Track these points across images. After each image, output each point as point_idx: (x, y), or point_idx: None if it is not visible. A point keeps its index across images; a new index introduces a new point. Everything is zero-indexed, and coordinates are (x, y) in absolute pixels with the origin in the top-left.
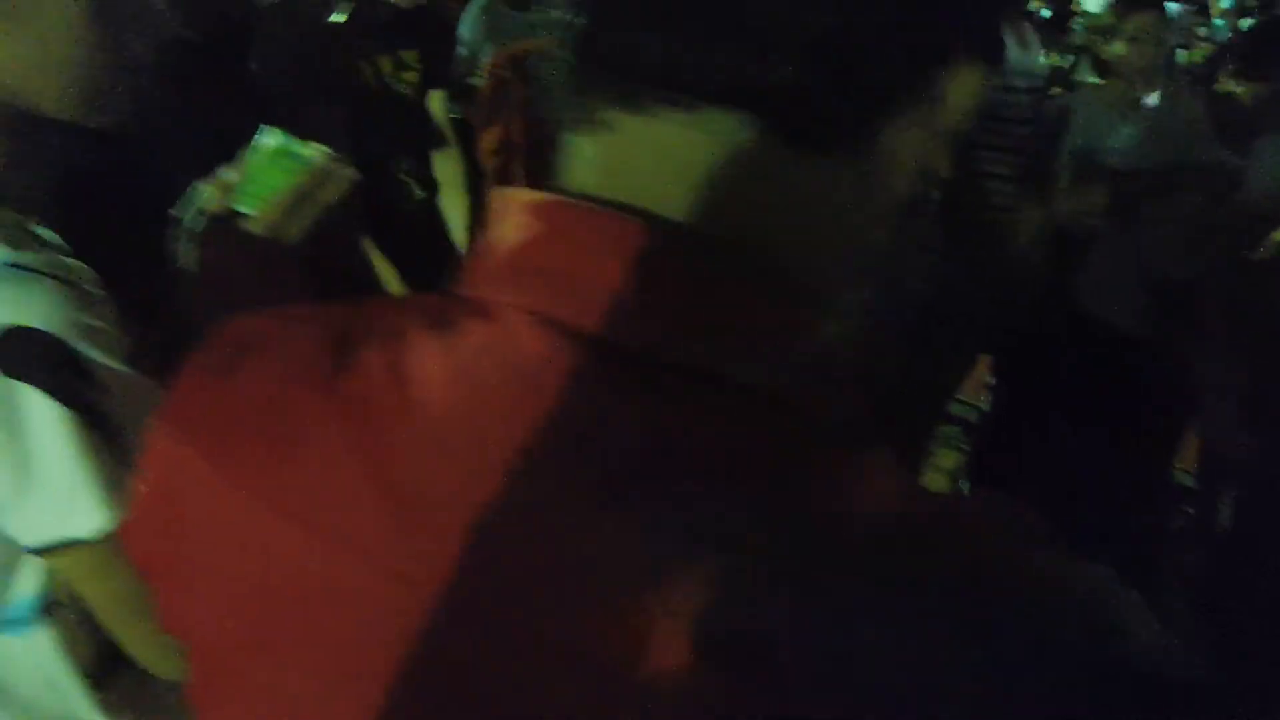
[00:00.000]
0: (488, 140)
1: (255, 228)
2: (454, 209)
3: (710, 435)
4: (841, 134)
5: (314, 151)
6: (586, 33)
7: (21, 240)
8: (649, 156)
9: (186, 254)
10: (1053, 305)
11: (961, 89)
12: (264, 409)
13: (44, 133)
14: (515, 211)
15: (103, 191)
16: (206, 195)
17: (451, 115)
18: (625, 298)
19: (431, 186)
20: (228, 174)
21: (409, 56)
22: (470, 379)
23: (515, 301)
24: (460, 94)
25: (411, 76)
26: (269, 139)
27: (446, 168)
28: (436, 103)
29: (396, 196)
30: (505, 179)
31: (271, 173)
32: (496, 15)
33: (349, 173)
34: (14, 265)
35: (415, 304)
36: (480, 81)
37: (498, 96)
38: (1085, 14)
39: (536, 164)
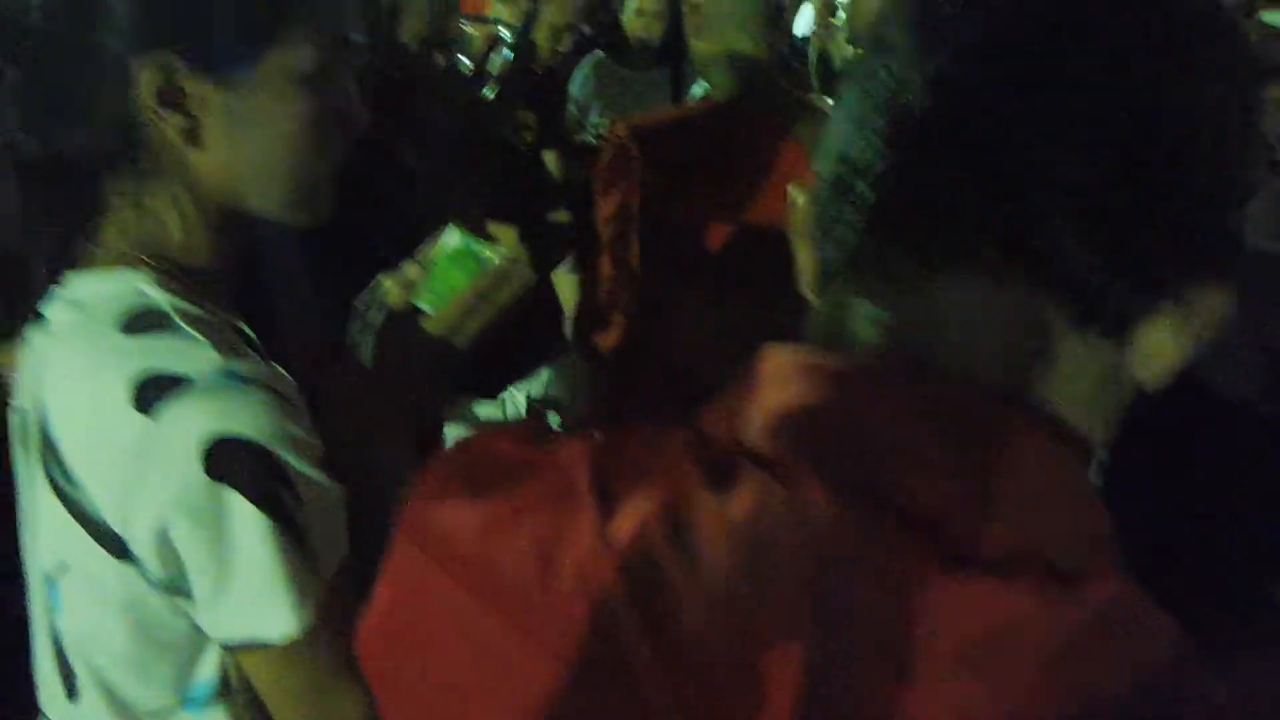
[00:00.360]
0: (605, 208)
1: (432, 326)
2: (565, 279)
3: (1040, 628)
4: (1122, 322)
5: (494, 253)
6: (888, 185)
7: (233, 345)
8: (943, 320)
9: (364, 347)
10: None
11: (1209, 304)
12: (516, 542)
13: (251, 231)
14: (803, 372)
15: (291, 283)
16: (388, 290)
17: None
18: (929, 464)
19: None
20: (410, 269)
21: (527, 117)
22: (754, 539)
23: (803, 461)
24: (572, 153)
25: (528, 136)
26: (451, 238)
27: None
28: (552, 164)
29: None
30: (621, 248)
31: (452, 272)
32: (606, 74)
33: (527, 275)
34: (227, 373)
35: (680, 449)
36: (591, 139)
37: (617, 165)
38: None
39: (652, 236)
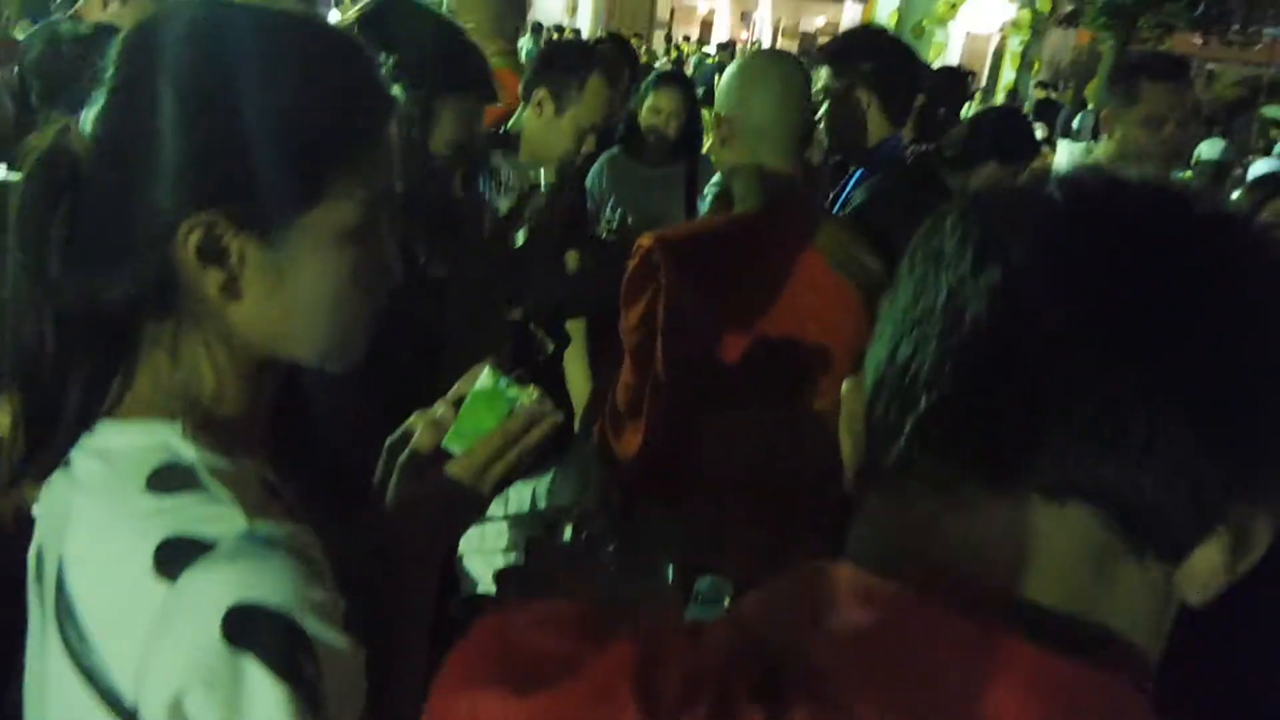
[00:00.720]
0: (630, 316)
1: (459, 469)
2: (577, 366)
3: None
4: (1182, 547)
5: (525, 395)
6: (942, 393)
7: (260, 503)
8: (997, 538)
9: (392, 487)
10: None
11: (1259, 526)
12: None
13: (284, 375)
14: (857, 596)
15: (322, 424)
16: (418, 430)
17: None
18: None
19: (562, 341)
20: (440, 409)
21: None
22: None
23: (857, 690)
24: (590, 248)
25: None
26: (483, 379)
27: (577, 325)
28: (573, 262)
29: (528, 349)
30: (644, 356)
31: (482, 414)
32: (621, 170)
33: (557, 417)
34: (251, 537)
35: (727, 657)
36: (605, 234)
37: (643, 274)
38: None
39: (675, 344)
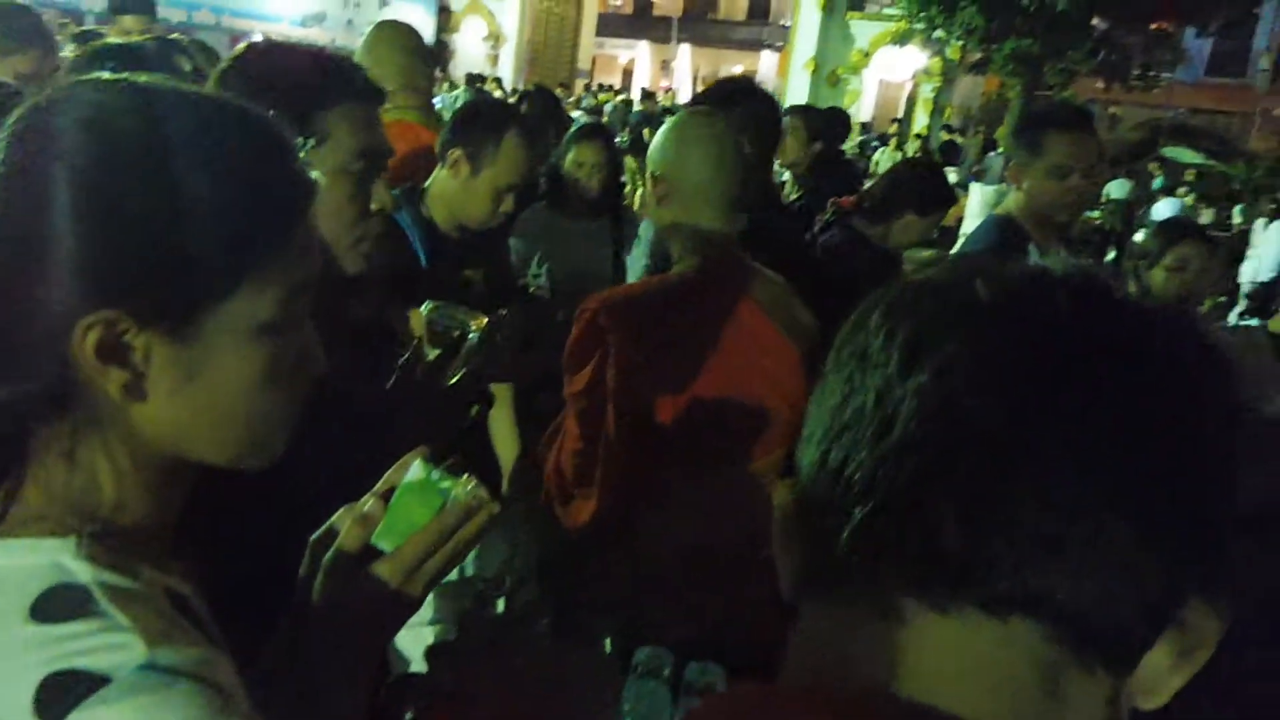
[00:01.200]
0: (578, 381)
1: (389, 570)
2: (504, 427)
3: None
4: (1132, 656)
5: (458, 486)
6: (875, 504)
7: (165, 625)
8: (940, 654)
9: (318, 589)
10: None
11: (1207, 625)
12: None
13: (194, 477)
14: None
15: (237, 523)
16: (345, 527)
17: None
18: None
19: (487, 403)
20: (369, 504)
21: (475, 275)
22: None
23: None
24: (518, 302)
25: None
26: (414, 471)
27: (502, 386)
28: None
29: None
30: (591, 422)
31: (414, 508)
32: (546, 224)
33: (493, 507)
34: (151, 667)
35: None
36: (532, 288)
37: (588, 339)
38: (1131, 241)
39: (623, 408)
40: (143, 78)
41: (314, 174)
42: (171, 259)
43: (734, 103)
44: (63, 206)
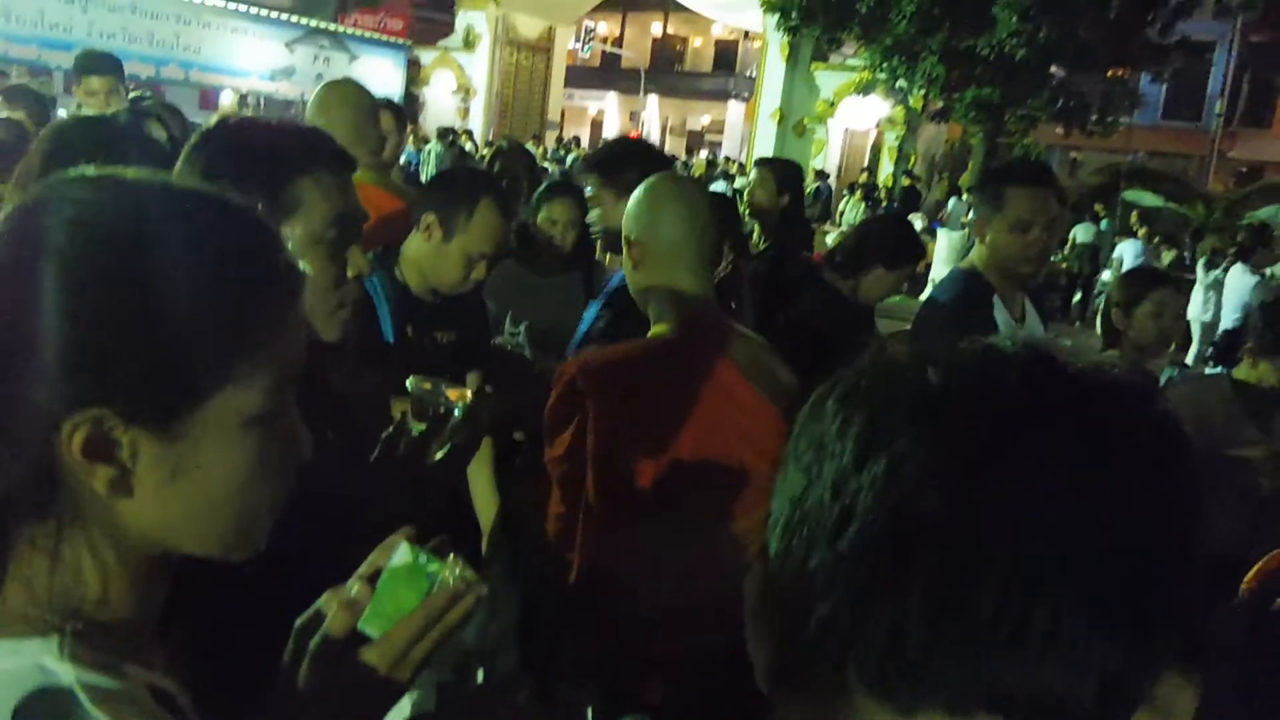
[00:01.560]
0: (558, 446)
1: (377, 655)
2: (482, 483)
3: None
4: None
5: (445, 569)
6: (835, 601)
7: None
8: None
9: (303, 676)
10: None
11: (1180, 700)
12: None
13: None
14: None
15: (219, 608)
16: (330, 611)
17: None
18: None
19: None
20: (355, 589)
21: (444, 336)
22: None
23: None
24: (490, 362)
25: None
26: (400, 554)
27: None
28: (474, 382)
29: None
30: (572, 486)
31: (401, 592)
32: (518, 280)
33: (480, 589)
34: None
35: None
36: (515, 345)
37: (567, 403)
38: (1101, 284)
39: (603, 472)
40: (130, 173)
41: (289, 243)
42: (159, 357)
43: (624, 164)
44: (50, 307)
